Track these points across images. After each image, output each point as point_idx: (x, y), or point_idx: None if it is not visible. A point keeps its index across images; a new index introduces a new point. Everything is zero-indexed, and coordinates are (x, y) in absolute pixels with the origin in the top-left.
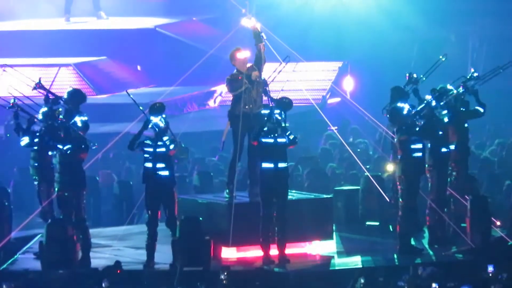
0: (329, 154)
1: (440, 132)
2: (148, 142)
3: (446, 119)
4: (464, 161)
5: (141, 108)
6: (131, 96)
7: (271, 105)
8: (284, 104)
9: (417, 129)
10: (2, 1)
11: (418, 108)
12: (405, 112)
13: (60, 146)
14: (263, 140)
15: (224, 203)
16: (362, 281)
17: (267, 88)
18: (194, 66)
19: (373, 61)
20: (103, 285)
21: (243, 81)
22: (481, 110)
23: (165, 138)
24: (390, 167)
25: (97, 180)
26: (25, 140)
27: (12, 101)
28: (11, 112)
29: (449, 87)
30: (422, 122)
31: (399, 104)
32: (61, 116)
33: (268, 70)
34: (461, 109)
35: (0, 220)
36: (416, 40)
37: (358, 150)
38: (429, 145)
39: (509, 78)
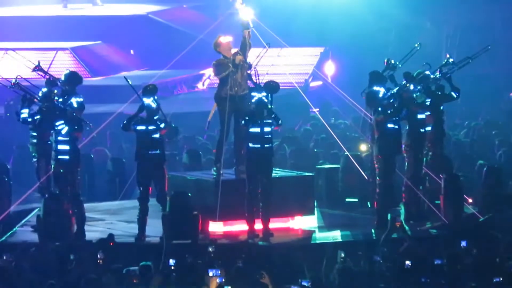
0: (310, 134)
1: (421, 116)
2: (140, 121)
3: (427, 103)
4: (440, 142)
5: (138, 93)
6: (128, 80)
7: (255, 85)
8: (271, 87)
9: (392, 110)
10: None
11: (394, 91)
12: (380, 95)
13: (56, 124)
14: (251, 127)
15: (211, 180)
16: (343, 255)
17: (253, 72)
18: (184, 51)
19: (353, 47)
20: (98, 256)
21: (228, 65)
22: (455, 95)
23: (156, 118)
24: (363, 147)
25: (91, 157)
26: (24, 114)
27: (13, 81)
28: (10, 93)
29: (426, 72)
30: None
31: (375, 88)
32: (56, 98)
33: (253, 55)
34: (438, 93)
35: (0, 195)
36: (394, 27)
37: (337, 130)
38: (407, 126)
39: (482, 64)
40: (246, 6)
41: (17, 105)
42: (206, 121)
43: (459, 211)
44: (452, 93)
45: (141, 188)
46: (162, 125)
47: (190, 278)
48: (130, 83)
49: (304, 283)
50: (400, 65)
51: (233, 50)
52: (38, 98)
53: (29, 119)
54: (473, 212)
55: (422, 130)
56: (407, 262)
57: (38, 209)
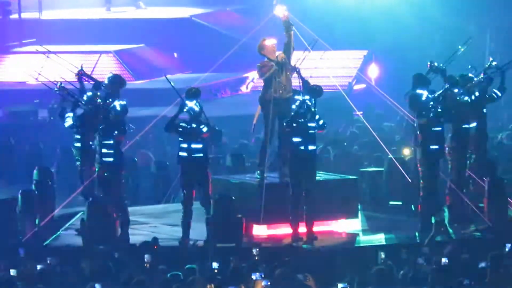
0: (356, 138)
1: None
2: (183, 125)
3: (468, 103)
4: (483, 145)
5: (178, 92)
6: (170, 81)
7: (301, 90)
8: (315, 91)
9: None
10: None
11: (436, 94)
12: (423, 98)
13: (100, 128)
14: (294, 124)
15: (255, 183)
16: (383, 255)
17: (300, 73)
18: (228, 54)
19: (397, 50)
20: (145, 259)
21: (271, 65)
22: (498, 94)
23: (199, 121)
24: (406, 151)
25: (135, 160)
26: (68, 122)
27: (58, 84)
28: (54, 97)
29: (470, 75)
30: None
31: (418, 91)
32: (99, 101)
33: (296, 57)
34: (480, 95)
35: (44, 198)
36: (438, 30)
37: (381, 133)
38: (451, 129)
39: None
40: (282, 7)
41: (59, 107)
42: (251, 124)
43: (503, 214)
44: (494, 94)
45: (184, 192)
46: (205, 129)
47: (234, 281)
48: (172, 84)
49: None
50: (444, 67)
51: (277, 53)
52: (83, 102)
53: (74, 123)
54: None
55: (466, 133)
56: (444, 260)
57: (82, 212)
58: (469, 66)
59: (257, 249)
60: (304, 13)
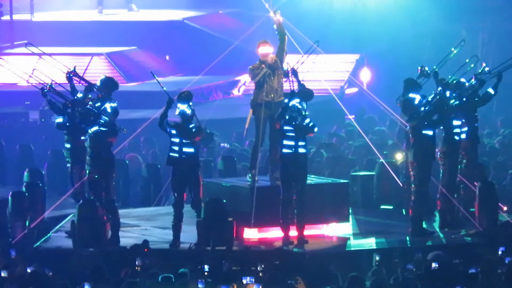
0: (344, 141)
1: (457, 123)
2: (175, 127)
3: (460, 107)
4: (474, 150)
5: (162, 86)
6: (155, 76)
7: (295, 89)
8: (306, 94)
9: (426, 114)
10: None
11: (429, 98)
12: (416, 102)
13: (89, 131)
14: (285, 127)
15: (246, 186)
16: (377, 258)
17: (295, 75)
18: (220, 57)
19: (389, 54)
20: (136, 262)
21: (262, 67)
22: (490, 93)
23: (191, 125)
24: (399, 156)
25: (126, 163)
26: (59, 120)
27: (48, 85)
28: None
29: (462, 80)
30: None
31: (411, 95)
32: (90, 103)
33: (293, 60)
34: (472, 98)
35: (34, 200)
36: (429, 34)
37: (375, 138)
38: (442, 134)
39: None
40: (276, 13)
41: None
42: (244, 128)
43: (494, 219)
44: (487, 93)
45: (175, 194)
46: (197, 132)
47: (225, 284)
48: (157, 79)
49: None
50: (437, 70)
51: (270, 56)
52: (72, 104)
53: (66, 124)
54: (507, 220)
55: (457, 138)
56: (433, 265)
57: (72, 215)
58: (472, 56)
59: (248, 253)
60: (298, 17)
